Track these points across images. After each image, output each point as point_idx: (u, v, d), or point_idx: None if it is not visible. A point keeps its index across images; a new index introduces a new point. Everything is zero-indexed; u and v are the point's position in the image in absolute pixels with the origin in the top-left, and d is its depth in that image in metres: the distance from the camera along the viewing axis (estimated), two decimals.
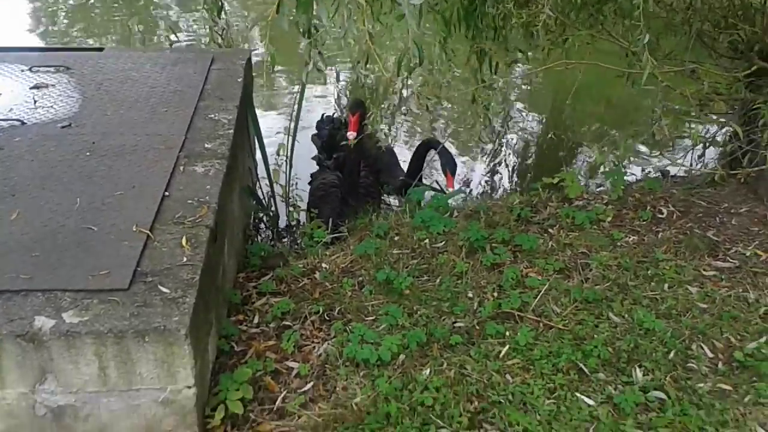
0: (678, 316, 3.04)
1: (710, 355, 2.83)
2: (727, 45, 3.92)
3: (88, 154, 3.22)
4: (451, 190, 4.35)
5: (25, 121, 3.49)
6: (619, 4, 3.79)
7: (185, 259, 2.56)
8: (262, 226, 4.42)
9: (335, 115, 5.26)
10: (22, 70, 4.06)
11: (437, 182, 4.85)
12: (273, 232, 4.38)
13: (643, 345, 2.84)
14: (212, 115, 3.65)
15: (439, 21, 3.64)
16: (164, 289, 2.40)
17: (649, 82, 3.49)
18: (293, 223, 4.49)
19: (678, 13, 4.04)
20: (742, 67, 3.77)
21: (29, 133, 3.39)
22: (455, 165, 4.41)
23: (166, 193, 2.94)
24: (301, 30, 2.97)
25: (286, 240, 4.34)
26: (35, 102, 3.69)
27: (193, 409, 2.39)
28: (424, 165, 4.75)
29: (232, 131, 3.50)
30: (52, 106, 3.66)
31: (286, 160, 4.50)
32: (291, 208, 4.55)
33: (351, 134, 4.12)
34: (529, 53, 3.98)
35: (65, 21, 8.79)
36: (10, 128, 3.42)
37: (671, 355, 2.80)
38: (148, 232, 2.67)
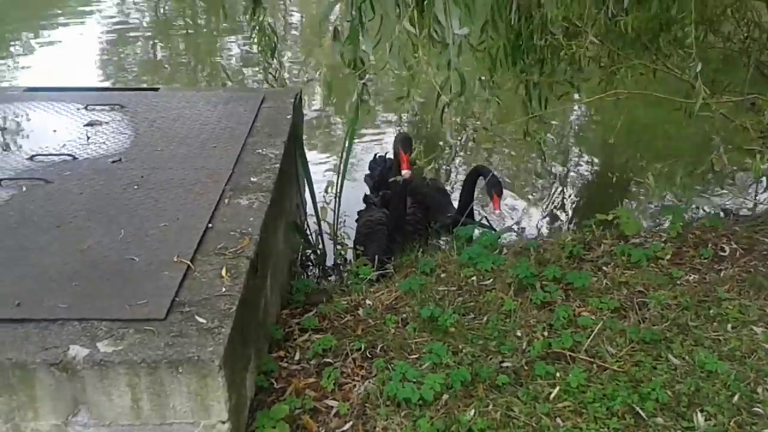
0: (742, 357, 2.84)
1: None
2: None
3: (135, 187, 3.25)
4: (498, 212, 4.25)
5: (76, 156, 3.55)
6: (672, 33, 3.71)
7: (224, 289, 2.52)
8: (309, 264, 4.37)
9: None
10: (78, 109, 4.16)
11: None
12: (320, 269, 4.33)
13: (704, 388, 2.66)
14: (260, 150, 3.66)
15: (484, 58, 3.58)
16: (201, 319, 2.36)
17: (706, 114, 3.37)
18: (340, 261, 4.43)
19: (735, 43, 3.92)
20: None
21: (80, 167, 3.44)
22: (501, 187, 4.31)
23: (210, 225, 2.93)
24: (347, 61, 2.97)
25: (332, 278, 4.27)
26: (88, 138, 3.76)
27: None
28: (475, 193, 4.66)
29: (278, 165, 3.50)
30: (104, 142, 3.72)
31: (335, 198, 4.46)
32: (338, 246, 4.49)
33: (406, 172, 4.04)
34: (581, 86, 3.87)
35: (133, 66, 9.10)
36: (61, 162, 3.48)
37: (735, 398, 2.61)
38: (189, 262, 2.65)
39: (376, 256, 4.03)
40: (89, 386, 2.20)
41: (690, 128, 3.96)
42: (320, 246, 4.40)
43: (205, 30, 10.66)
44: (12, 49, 9.49)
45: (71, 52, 9.31)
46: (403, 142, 4.06)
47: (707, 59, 3.95)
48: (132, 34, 10.16)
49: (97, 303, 2.42)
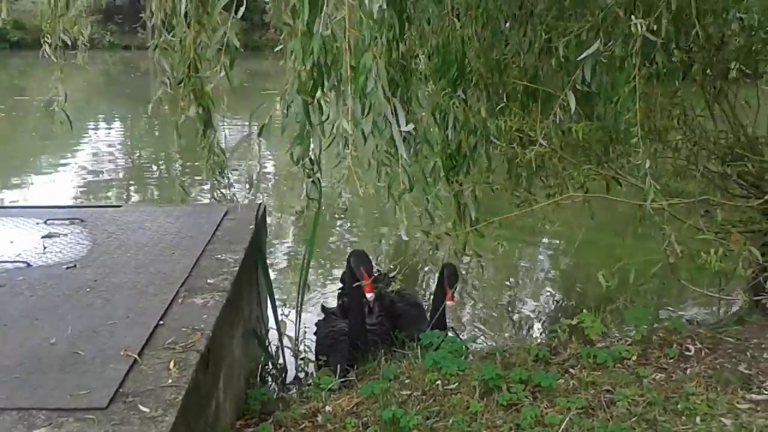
0: None
1: None
2: (736, 177, 3.89)
3: (87, 290, 3.18)
4: (450, 303, 4.17)
5: (30, 263, 3.50)
6: (621, 142, 3.86)
7: (170, 381, 2.42)
8: (269, 378, 4.22)
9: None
10: (37, 223, 4.14)
11: (453, 329, 4.67)
12: (280, 384, 4.17)
13: None
14: (219, 256, 3.64)
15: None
16: (144, 408, 2.24)
17: (659, 218, 3.45)
18: (301, 375, 4.29)
19: (681, 150, 4.08)
20: (755, 196, 3.70)
21: (33, 273, 3.38)
22: (456, 278, 4.26)
23: (161, 322, 2.86)
24: (295, 159, 3.00)
25: (293, 391, 4.11)
26: (44, 248, 3.72)
27: None
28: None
29: (237, 269, 3.46)
30: (60, 251, 3.68)
31: (295, 310, 4.40)
32: (300, 360, 4.37)
33: (370, 296, 4.01)
34: (536, 193, 3.97)
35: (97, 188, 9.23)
36: (14, 269, 3.42)
37: None
38: (136, 356, 2.55)
39: (339, 365, 3.91)
40: None
41: (647, 231, 4.02)
42: (281, 360, 4.27)
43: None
44: None
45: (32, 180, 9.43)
46: (363, 261, 4.03)
47: (659, 173, 4.12)
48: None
49: (38, 393, 2.30)
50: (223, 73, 2.97)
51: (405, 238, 3.02)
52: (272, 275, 4.45)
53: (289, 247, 7.16)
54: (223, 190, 4.40)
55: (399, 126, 2.79)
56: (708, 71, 3.90)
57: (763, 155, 3.70)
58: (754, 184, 3.88)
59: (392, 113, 2.78)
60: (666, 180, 4.14)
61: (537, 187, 4.01)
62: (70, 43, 3.62)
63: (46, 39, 3.55)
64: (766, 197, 3.64)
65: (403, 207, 2.96)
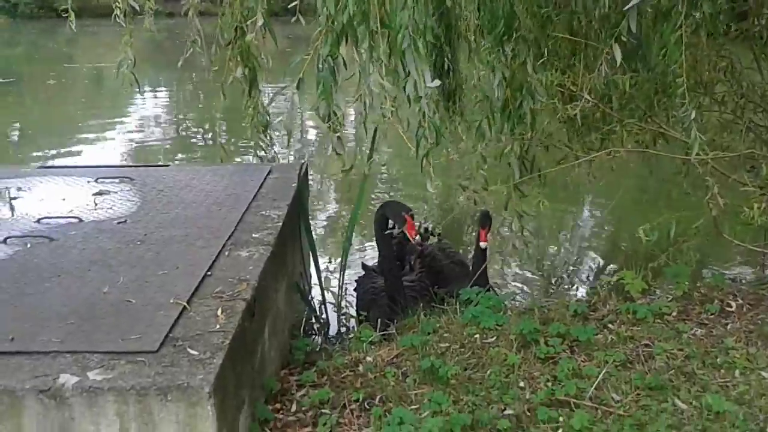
0: (751, 401, 2.75)
1: None
2: None
3: (138, 243, 3.29)
4: (483, 244, 4.21)
5: (82, 219, 3.63)
6: (667, 95, 3.80)
7: (218, 326, 2.52)
8: (312, 333, 4.33)
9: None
10: (88, 181, 4.27)
11: (492, 288, 4.71)
12: (323, 337, 4.28)
13: (712, 428, 2.56)
14: (263, 212, 3.72)
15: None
16: (193, 351, 2.34)
17: (703, 170, 3.42)
18: (343, 329, 4.39)
19: (727, 104, 4.00)
20: None
21: (85, 227, 3.51)
22: (489, 220, 4.30)
23: (208, 273, 2.95)
24: (321, 116, 3.05)
25: (335, 345, 4.22)
26: (96, 204, 3.85)
27: None
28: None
29: (280, 224, 3.54)
30: (110, 207, 3.80)
31: (340, 268, 4.48)
32: (342, 316, 4.46)
33: (417, 238, 4.14)
34: (578, 148, 3.94)
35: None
36: (67, 224, 3.55)
37: None
38: (185, 303, 2.65)
39: (379, 320, 3.99)
40: (77, 414, 2.17)
41: (690, 187, 3.98)
42: (323, 315, 4.37)
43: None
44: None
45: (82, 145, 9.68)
46: (400, 206, 4.10)
47: (704, 127, 4.05)
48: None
49: (91, 337, 2.42)
50: (261, 22, 3.04)
51: (431, 190, 3.07)
52: (315, 238, 4.53)
53: (331, 208, 7.26)
54: (264, 150, 4.50)
55: (424, 82, 2.83)
56: (755, 21, 3.80)
57: None
58: None
59: (417, 70, 2.80)
60: (712, 134, 4.07)
61: (580, 143, 3.99)
62: (138, 7, 3.78)
63: (117, 3, 3.69)
64: None
65: (431, 161, 3.01)
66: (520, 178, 3.77)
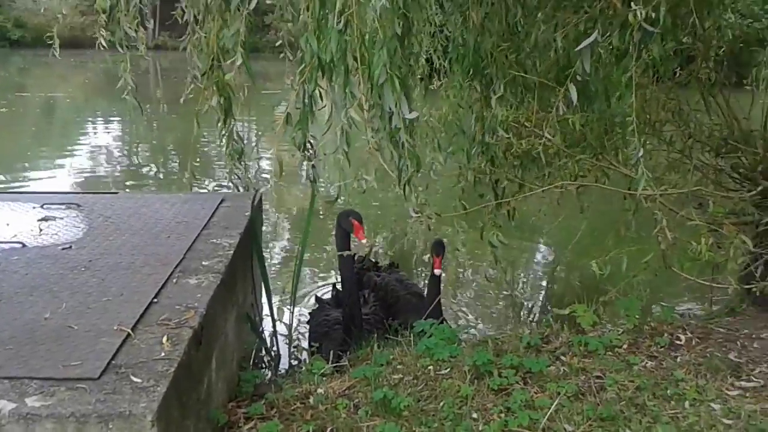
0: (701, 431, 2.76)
1: None
2: (729, 170, 3.92)
3: (82, 269, 3.19)
4: (438, 271, 4.21)
5: (26, 244, 3.51)
6: (616, 134, 3.89)
7: (163, 354, 2.43)
8: (263, 366, 4.23)
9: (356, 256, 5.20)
10: (33, 207, 4.15)
11: (446, 322, 4.69)
12: (273, 370, 4.19)
13: None
14: (214, 240, 3.65)
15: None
16: (136, 379, 2.26)
17: (651, 205, 3.48)
18: (294, 362, 4.31)
19: (675, 143, 4.11)
20: (747, 187, 3.73)
21: (29, 253, 3.39)
22: (442, 248, 4.31)
23: (155, 300, 2.87)
24: (297, 144, 3.09)
25: (286, 377, 4.13)
26: (41, 230, 3.73)
27: None
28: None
29: (231, 252, 3.48)
30: (56, 234, 3.69)
31: (290, 298, 4.41)
32: (294, 349, 4.38)
33: (365, 241, 4.18)
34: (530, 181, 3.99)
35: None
36: (10, 249, 3.43)
37: None
38: (129, 330, 2.57)
39: (331, 352, 3.93)
40: None
41: (639, 225, 4.05)
42: (275, 347, 4.29)
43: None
44: None
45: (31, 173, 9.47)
46: (354, 215, 4.10)
47: (653, 165, 4.15)
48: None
49: (30, 363, 2.32)
50: (240, 62, 3.12)
51: (414, 214, 3.12)
52: (268, 270, 4.46)
53: (286, 243, 7.18)
54: (239, 177, 4.48)
55: (402, 114, 2.90)
56: (704, 64, 3.93)
57: (756, 147, 3.72)
58: (747, 176, 3.91)
59: (396, 103, 2.89)
60: (661, 172, 4.17)
61: (532, 177, 4.04)
62: (133, 35, 3.80)
63: (101, 34, 3.72)
64: (759, 189, 3.67)
65: (412, 188, 3.07)
66: (482, 206, 3.81)
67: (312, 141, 3.21)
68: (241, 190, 4.67)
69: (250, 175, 4.64)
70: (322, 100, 3.10)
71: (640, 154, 3.24)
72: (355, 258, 4.82)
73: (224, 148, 4.50)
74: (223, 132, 4.44)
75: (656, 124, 4.18)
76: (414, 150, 3.04)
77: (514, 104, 3.97)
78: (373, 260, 5.03)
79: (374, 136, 2.99)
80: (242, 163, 4.63)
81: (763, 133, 3.84)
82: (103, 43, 3.87)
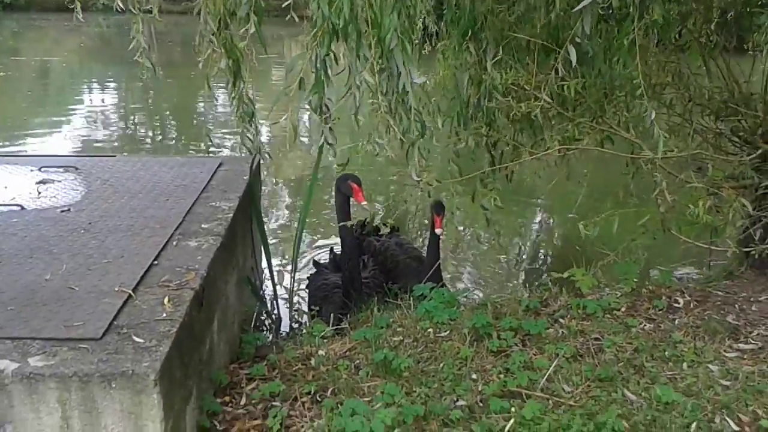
0: (699, 392, 2.79)
1: (735, 427, 2.56)
2: (729, 133, 3.90)
3: (81, 232, 3.19)
4: (439, 231, 4.21)
5: (25, 206, 3.50)
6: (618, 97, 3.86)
7: (164, 315, 2.44)
8: (264, 329, 4.25)
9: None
10: (31, 170, 4.13)
11: (446, 286, 4.70)
12: (274, 333, 4.21)
13: (661, 418, 2.59)
14: (213, 203, 3.64)
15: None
16: (138, 339, 2.27)
17: (651, 167, 3.47)
18: (295, 325, 4.33)
19: (675, 107, 4.08)
20: (747, 151, 3.72)
21: (28, 216, 3.39)
22: (443, 208, 4.30)
23: (155, 262, 2.87)
24: (313, 107, 3.06)
25: (287, 341, 4.15)
26: (39, 193, 3.72)
27: None
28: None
29: (231, 216, 3.47)
30: (54, 196, 3.68)
31: (291, 262, 4.42)
32: (294, 312, 4.40)
33: (365, 203, 4.14)
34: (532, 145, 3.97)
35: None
36: (8, 212, 3.42)
37: (692, 427, 2.54)
38: (130, 292, 2.57)
39: (332, 315, 3.95)
40: (17, 401, 2.08)
41: (642, 182, 4.05)
42: (275, 311, 4.30)
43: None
44: None
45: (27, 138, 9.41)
46: (353, 178, 4.08)
47: (653, 130, 4.12)
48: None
49: (32, 324, 2.33)
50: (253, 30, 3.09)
51: (416, 178, 3.11)
52: (267, 232, 4.46)
53: (284, 209, 7.16)
54: (251, 140, 4.43)
55: (411, 78, 2.89)
56: (704, 26, 3.89)
57: (756, 111, 3.70)
58: (747, 140, 3.89)
59: (405, 66, 2.88)
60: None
61: (531, 141, 4.01)
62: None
63: None
64: (758, 152, 3.66)
65: (416, 152, 3.05)
66: (480, 172, 3.78)
67: (328, 104, 3.16)
68: (254, 153, 4.63)
69: (262, 138, 4.59)
70: (337, 63, 3.08)
71: (653, 116, 3.22)
72: (356, 223, 4.82)
73: (235, 111, 4.46)
74: (233, 95, 4.39)
75: (656, 87, 4.13)
76: (421, 114, 3.03)
77: (513, 67, 3.93)
78: (375, 225, 5.01)
79: (383, 100, 2.97)
80: (252, 125, 4.58)
81: (763, 96, 3.81)
82: (120, 5, 3.78)
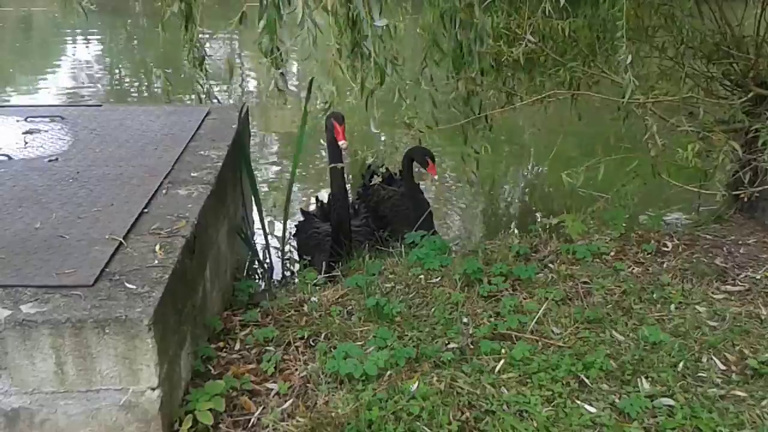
0: (686, 332, 2.84)
1: (722, 366, 2.62)
2: (721, 77, 3.88)
3: (70, 181, 3.16)
4: (435, 177, 4.23)
5: (12, 156, 3.46)
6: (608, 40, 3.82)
7: (156, 262, 2.45)
8: (256, 276, 4.27)
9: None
10: (17, 120, 4.07)
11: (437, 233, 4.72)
12: (266, 281, 4.23)
13: (649, 358, 2.64)
14: (202, 152, 3.61)
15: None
16: (130, 286, 2.28)
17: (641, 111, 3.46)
18: (287, 273, 4.35)
19: (667, 50, 4.04)
20: (738, 95, 3.71)
21: (15, 165, 3.35)
22: (431, 154, 4.31)
23: (145, 210, 2.86)
24: (263, 51, 2.96)
25: (279, 289, 4.18)
26: (26, 143, 3.68)
27: (157, 414, 2.20)
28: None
29: (220, 164, 3.45)
30: (41, 146, 3.64)
31: (284, 209, 4.41)
32: (286, 261, 4.42)
33: (342, 143, 4.03)
34: (521, 91, 3.94)
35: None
36: None
37: (680, 366, 2.60)
38: (121, 239, 2.57)
39: (323, 263, 3.96)
40: (11, 348, 2.09)
41: (631, 130, 4.05)
42: (267, 259, 4.32)
43: None
44: None
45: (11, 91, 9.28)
46: (335, 116, 4.01)
47: (645, 73, 4.09)
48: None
49: (23, 272, 2.33)
50: None
51: (375, 130, 3.06)
52: (259, 188, 4.44)
53: (274, 158, 7.13)
54: (200, 85, 4.37)
55: (372, 20, 2.79)
56: None
57: (748, 53, 3.68)
58: (738, 83, 3.88)
59: (365, 6, 2.77)
60: (653, 81, 4.12)
61: (523, 87, 3.99)
62: None
63: None
64: (750, 95, 3.65)
65: (374, 102, 2.99)
66: (467, 119, 3.75)
67: (280, 47, 3.04)
68: (203, 100, 4.57)
69: (211, 84, 4.54)
70: (289, 3, 2.95)
71: (629, 60, 3.19)
72: (369, 168, 4.79)
73: (186, 55, 4.39)
74: (185, 38, 4.30)
75: (648, 29, 4.10)
76: (380, 60, 2.91)
77: (504, 10, 3.88)
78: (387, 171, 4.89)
79: (341, 44, 2.88)
80: (203, 70, 4.52)
81: (755, 39, 3.79)
82: None
